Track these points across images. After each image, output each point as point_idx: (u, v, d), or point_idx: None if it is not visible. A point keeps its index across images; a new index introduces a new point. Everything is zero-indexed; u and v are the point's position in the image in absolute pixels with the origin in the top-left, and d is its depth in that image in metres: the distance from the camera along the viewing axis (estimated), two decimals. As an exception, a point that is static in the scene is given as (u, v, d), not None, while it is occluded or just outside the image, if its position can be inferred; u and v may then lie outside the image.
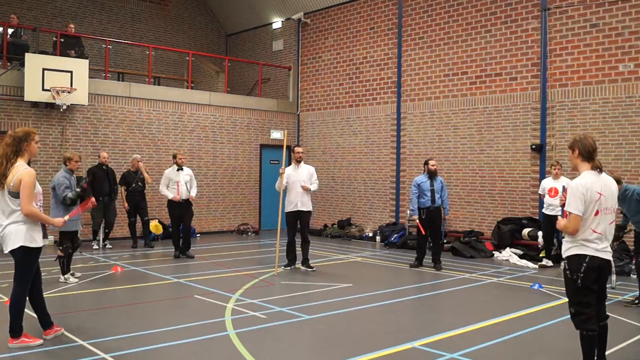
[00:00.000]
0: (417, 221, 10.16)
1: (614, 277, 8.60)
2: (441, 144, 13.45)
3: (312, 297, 7.74)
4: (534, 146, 11.77)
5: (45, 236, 5.42)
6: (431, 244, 10.46)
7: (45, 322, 5.58)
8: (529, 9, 12.00)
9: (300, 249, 9.84)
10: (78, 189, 7.92)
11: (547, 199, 10.27)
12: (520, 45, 12.13)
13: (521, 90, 12.13)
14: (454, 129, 13.21)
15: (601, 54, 11.01)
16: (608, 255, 4.41)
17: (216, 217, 15.31)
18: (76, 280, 8.46)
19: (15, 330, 5.26)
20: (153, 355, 5.20)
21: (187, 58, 16.05)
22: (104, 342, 5.46)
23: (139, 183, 12.20)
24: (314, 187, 9.87)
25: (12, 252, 5.21)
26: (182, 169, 11.12)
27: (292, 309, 6.92)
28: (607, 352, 4.78)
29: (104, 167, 11.97)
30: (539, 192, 10.76)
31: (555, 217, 10.09)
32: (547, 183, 10.40)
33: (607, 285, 4.64)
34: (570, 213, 4.34)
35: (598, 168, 4.40)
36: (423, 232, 10.06)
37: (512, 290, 8.45)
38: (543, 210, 10.46)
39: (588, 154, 4.40)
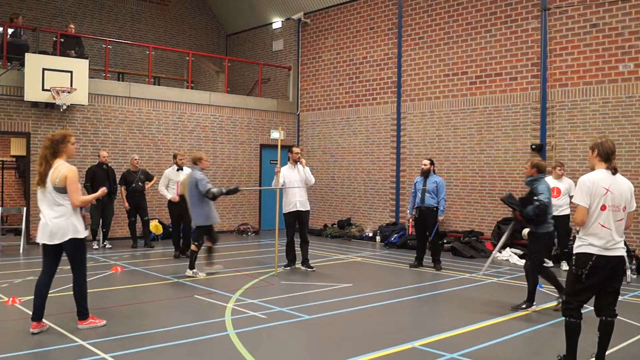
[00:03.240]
0: (410, 220, 10.19)
1: (628, 272, 8.59)
2: (441, 144, 13.44)
3: (312, 297, 7.74)
4: (534, 146, 11.77)
5: (85, 227, 5.97)
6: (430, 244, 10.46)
7: (38, 314, 5.82)
8: (529, 9, 11.99)
9: (299, 249, 9.84)
10: (224, 190, 8.81)
11: None
12: (520, 45, 12.13)
13: (521, 90, 12.13)
14: (454, 129, 13.21)
15: (601, 54, 11.01)
16: (619, 252, 4.64)
17: (216, 217, 15.29)
18: (204, 275, 8.98)
19: (83, 313, 5.92)
20: (153, 355, 5.19)
21: (187, 58, 16.05)
22: (104, 342, 5.46)
23: (139, 183, 12.19)
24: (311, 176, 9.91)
25: (63, 245, 5.73)
26: (182, 169, 11.09)
27: (292, 309, 6.92)
28: (607, 352, 4.79)
29: (104, 166, 11.97)
30: None
31: (557, 217, 10.06)
32: (549, 182, 10.32)
33: (624, 283, 4.85)
34: (577, 205, 4.70)
35: (613, 169, 4.71)
36: (409, 232, 10.11)
37: (512, 290, 8.44)
38: None
39: (606, 155, 4.73)
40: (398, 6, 14.34)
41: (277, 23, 17.64)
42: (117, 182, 12.29)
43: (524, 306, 7.09)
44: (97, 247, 12.08)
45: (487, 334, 6.01)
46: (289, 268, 9.81)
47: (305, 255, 9.79)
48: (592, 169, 4.84)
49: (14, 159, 15.79)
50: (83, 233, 5.83)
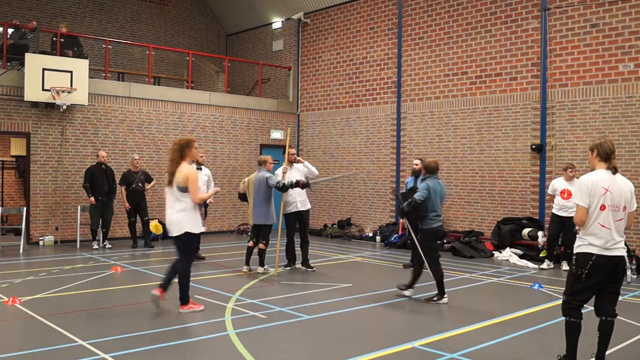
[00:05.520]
0: (402, 220, 10.21)
1: (629, 272, 8.59)
2: (441, 144, 13.44)
3: (312, 297, 7.74)
4: (534, 146, 11.77)
5: (203, 224, 6.68)
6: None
7: (163, 285, 6.70)
8: (529, 9, 11.99)
9: (299, 249, 9.84)
10: (294, 181, 9.21)
11: (559, 200, 10.08)
12: (520, 45, 12.13)
13: (521, 90, 12.13)
14: (454, 129, 13.21)
15: (601, 54, 11.01)
16: (619, 252, 4.65)
17: (216, 217, 15.31)
18: (272, 270, 9.30)
19: (185, 299, 6.61)
20: (153, 355, 5.19)
21: (187, 58, 16.04)
22: (104, 342, 5.46)
23: (140, 183, 12.18)
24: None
25: (178, 236, 6.51)
26: (200, 169, 10.47)
27: (292, 309, 6.92)
28: (607, 352, 4.79)
29: (102, 166, 11.98)
30: (549, 191, 10.50)
31: (565, 218, 10.03)
32: (559, 184, 10.19)
33: (624, 283, 4.88)
34: (577, 205, 4.72)
35: (613, 168, 4.72)
36: (400, 232, 10.10)
37: (512, 290, 8.45)
38: (554, 211, 10.22)
39: (606, 155, 4.74)
40: (398, 6, 14.34)
41: (277, 23, 17.64)
42: (117, 182, 12.29)
43: (435, 299, 7.53)
44: (97, 247, 12.09)
45: (487, 334, 6.01)
46: (289, 268, 9.81)
47: (305, 255, 9.78)
48: (593, 169, 4.84)
49: (14, 159, 15.79)
50: (198, 229, 6.57)
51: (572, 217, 9.83)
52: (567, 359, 4.78)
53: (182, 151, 6.57)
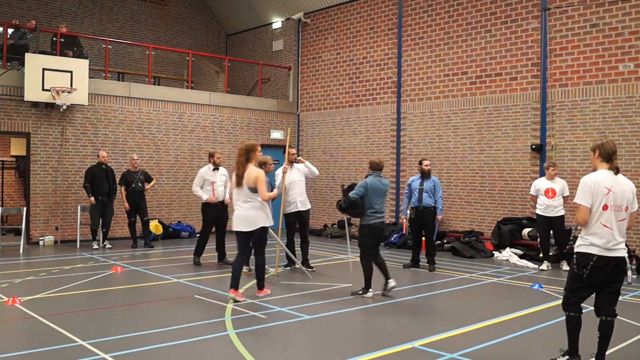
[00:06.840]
0: (404, 220, 10.20)
1: (629, 272, 8.60)
2: (441, 144, 13.44)
3: (312, 297, 7.74)
4: (534, 146, 11.77)
5: (271, 219, 7.38)
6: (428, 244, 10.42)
7: (234, 284, 7.28)
8: (529, 9, 12.00)
9: (299, 249, 9.84)
10: None
11: (543, 200, 9.98)
12: (520, 45, 12.13)
13: (521, 90, 12.13)
14: (454, 129, 13.21)
15: (601, 54, 11.01)
16: (620, 253, 4.67)
17: (216, 217, 15.30)
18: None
19: (262, 285, 7.54)
20: (153, 355, 5.19)
21: (187, 58, 16.04)
22: (104, 342, 5.46)
23: (139, 183, 12.17)
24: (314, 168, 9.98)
25: (253, 231, 7.22)
26: (217, 169, 10.22)
27: (292, 309, 6.92)
28: (607, 352, 4.79)
29: (103, 166, 11.97)
30: (531, 192, 10.37)
31: (553, 219, 10.00)
32: (542, 183, 10.09)
33: (624, 283, 4.91)
34: (579, 205, 4.71)
35: (615, 169, 4.74)
36: (404, 232, 10.10)
37: (512, 290, 8.45)
38: (539, 212, 10.09)
39: (608, 155, 4.75)
40: (398, 6, 14.34)
41: (277, 23, 17.63)
42: (117, 182, 12.29)
43: (360, 292, 7.71)
44: (97, 247, 12.08)
45: (487, 334, 6.01)
46: (289, 268, 9.81)
47: (305, 256, 9.78)
48: (595, 169, 4.85)
49: (14, 159, 15.79)
50: (269, 223, 7.33)
51: (559, 216, 9.88)
52: (569, 352, 4.81)
53: (247, 155, 7.26)
